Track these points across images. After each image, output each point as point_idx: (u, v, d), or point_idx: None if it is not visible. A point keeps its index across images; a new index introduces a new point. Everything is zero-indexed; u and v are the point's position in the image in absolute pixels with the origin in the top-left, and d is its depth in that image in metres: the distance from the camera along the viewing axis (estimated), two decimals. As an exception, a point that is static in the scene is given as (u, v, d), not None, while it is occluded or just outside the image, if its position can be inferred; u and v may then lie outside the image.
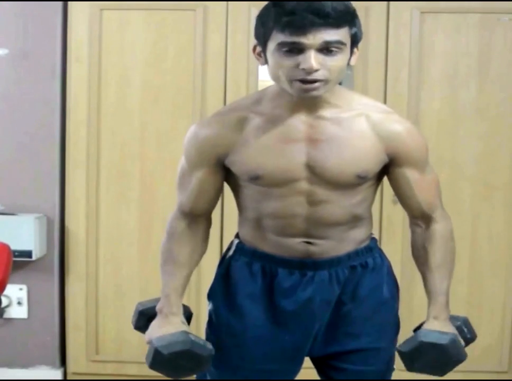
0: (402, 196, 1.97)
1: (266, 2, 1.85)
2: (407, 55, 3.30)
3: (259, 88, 3.25)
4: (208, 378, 2.08)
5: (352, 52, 1.82)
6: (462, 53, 3.30)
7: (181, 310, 2.03)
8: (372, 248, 2.05)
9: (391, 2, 3.27)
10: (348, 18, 1.77)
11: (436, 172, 2.01)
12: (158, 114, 3.39)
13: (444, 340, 1.89)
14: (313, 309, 1.98)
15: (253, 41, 1.86)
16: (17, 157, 3.44)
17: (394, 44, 3.30)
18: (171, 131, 3.38)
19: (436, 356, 1.89)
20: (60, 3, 3.38)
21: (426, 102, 3.32)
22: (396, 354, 1.99)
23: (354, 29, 1.79)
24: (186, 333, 1.97)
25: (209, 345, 1.96)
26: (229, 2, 3.31)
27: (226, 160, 1.92)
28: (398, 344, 2.01)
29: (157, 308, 2.03)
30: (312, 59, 1.73)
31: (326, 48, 1.74)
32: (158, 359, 1.93)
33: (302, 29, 1.71)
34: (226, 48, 3.34)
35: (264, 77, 3.32)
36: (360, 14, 3.36)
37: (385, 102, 3.26)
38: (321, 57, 1.74)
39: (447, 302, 1.99)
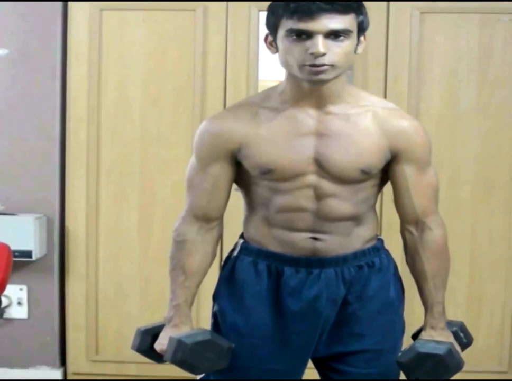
0: (398, 197, 1.96)
1: (266, 2, 1.86)
2: (407, 55, 3.30)
3: (260, 88, 3.27)
4: (211, 378, 2.07)
5: (358, 40, 1.85)
6: (462, 53, 3.30)
7: (191, 320, 2.02)
8: (379, 248, 2.05)
9: (391, 2, 3.28)
10: (354, 6, 1.81)
11: (437, 178, 1.99)
12: (158, 114, 3.39)
13: (440, 350, 1.92)
14: (319, 308, 1.98)
15: (263, 32, 1.88)
16: (17, 157, 3.44)
17: (394, 44, 3.30)
18: (171, 131, 3.38)
19: (434, 366, 1.92)
20: (60, 3, 3.37)
21: (426, 102, 3.32)
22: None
23: (361, 17, 1.83)
24: (204, 328, 2.01)
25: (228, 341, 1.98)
26: (229, 2, 3.31)
27: (239, 154, 1.93)
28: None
29: (165, 318, 2.02)
30: (320, 44, 1.77)
31: (333, 34, 1.78)
32: (181, 350, 1.91)
33: (310, 15, 1.76)
34: (226, 48, 3.34)
35: (264, 77, 3.33)
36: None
37: (385, 102, 3.26)
38: (328, 42, 1.78)
39: (443, 310, 2.00)
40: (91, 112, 3.39)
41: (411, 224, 1.98)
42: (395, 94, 3.29)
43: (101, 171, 3.42)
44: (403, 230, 2.01)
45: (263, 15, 3.10)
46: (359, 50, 1.87)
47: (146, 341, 2.03)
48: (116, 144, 3.41)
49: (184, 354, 1.92)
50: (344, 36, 1.79)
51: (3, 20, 3.39)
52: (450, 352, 1.93)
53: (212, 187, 1.96)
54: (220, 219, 2.03)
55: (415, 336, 2.06)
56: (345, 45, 1.80)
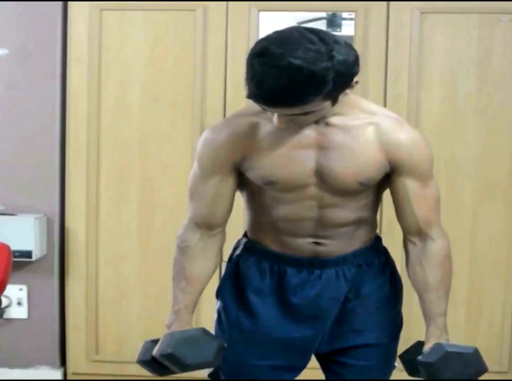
0: (400, 209, 1.95)
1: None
2: (407, 55, 3.29)
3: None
4: (222, 377, 2.08)
5: (336, 98, 1.77)
6: (462, 53, 3.30)
7: (191, 327, 2.00)
8: (377, 246, 2.08)
9: (391, 2, 3.27)
10: (315, 90, 1.70)
11: (438, 189, 1.98)
12: (158, 114, 3.39)
13: (469, 349, 1.88)
14: (321, 306, 2.00)
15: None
16: (17, 158, 3.44)
17: (394, 44, 3.30)
18: (171, 131, 3.38)
19: (463, 365, 1.86)
20: (60, 3, 3.38)
21: (426, 102, 3.32)
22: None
23: (331, 85, 1.70)
24: (200, 327, 1.97)
25: (220, 339, 1.96)
26: (229, 2, 3.31)
27: (241, 166, 1.93)
28: (399, 344, 2.07)
29: (166, 324, 2.00)
30: (282, 123, 1.79)
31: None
32: (172, 344, 1.88)
33: (267, 107, 1.76)
34: (226, 48, 3.34)
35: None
36: (360, 13, 3.36)
37: (385, 102, 3.26)
38: (294, 117, 1.77)
39: (445, 323, 1.96)
40: (91, 112, 3.39)
41: (414, 235, 1.96)
42: (395, 94, 3.29)
43: (101, 171, 3.42)
44: (405, 241, 1.99)
45: (263, 15, 3.12)
46: (348, 92, 1.79)
47: (150, 351, 2.01)
48: (116, 144, 3.41)
49: (174, 348, 1.88)
50: (310, 113, 1.77)
51: (3, 20, 3.39)
52: (478, 351, 1.89)
53: (214, 197, 1.96)
54: (222, 226, 2.02)
55: (402, 356, 2.01)
56: (313, 115, 1.78)
